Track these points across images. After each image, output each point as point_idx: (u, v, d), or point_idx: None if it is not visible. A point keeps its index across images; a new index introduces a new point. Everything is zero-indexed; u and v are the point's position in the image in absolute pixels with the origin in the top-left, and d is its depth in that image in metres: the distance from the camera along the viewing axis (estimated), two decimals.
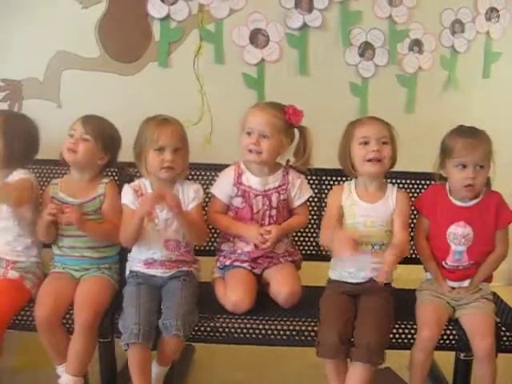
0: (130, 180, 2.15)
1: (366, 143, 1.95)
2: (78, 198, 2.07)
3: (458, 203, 2.00)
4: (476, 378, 1.89)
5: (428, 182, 2.27)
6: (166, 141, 1.97)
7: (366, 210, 1.98)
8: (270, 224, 2.08)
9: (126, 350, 1.87)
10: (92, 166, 2.10)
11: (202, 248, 2.26)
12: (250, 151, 2.05)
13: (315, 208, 2.28)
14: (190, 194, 2.06)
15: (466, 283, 1.99)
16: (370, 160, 1.95)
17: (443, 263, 2.00)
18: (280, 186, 2.11)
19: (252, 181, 2.10)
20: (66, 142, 2.06)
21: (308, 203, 2.22)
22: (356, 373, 1.83)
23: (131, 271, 2.07)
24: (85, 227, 1.99)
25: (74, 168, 2.11)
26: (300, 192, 2.13)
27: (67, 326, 1.95)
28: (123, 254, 2.13)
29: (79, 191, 2.08)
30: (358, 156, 1.96)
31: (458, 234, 1.97)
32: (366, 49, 2.88)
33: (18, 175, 2.06)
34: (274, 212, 2.10)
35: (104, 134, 2.08)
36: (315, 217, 2.27)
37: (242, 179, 2.11)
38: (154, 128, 1.99)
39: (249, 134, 2.05)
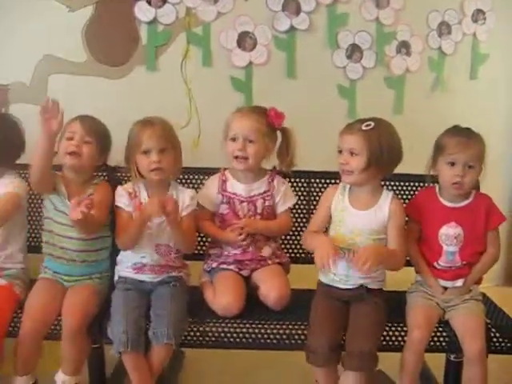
0: (118, 183, 2.13)
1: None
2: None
3: (448, 204, 2.00)
4: (466, 380, 1.89)
5: (416, 184, 2.28)
6: (150, 143, 1.96)
7: (355, 217, 1.95)
8: None
9: (119, 357, 1.86)
10: (90, 169, 2.08)
11: (191, 252, 2.24)
12: (236, 157, 2.04)
13: (304, 211, 2.27)
14: (185, 200, 2.04)
15: (459, 282, 1.98)
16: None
17: (436, 264, 2.00)
18: (265, 192, 2.11)
19: (236, 187, 2.10)
20: (65, 144, 2.02)
21: (297, 206, 2.22)
22: (348, 381, 1.83)
23: (120, 277, 2.06)
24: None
25: (71, 171, 2.07)
26: (284, 198, 2.13)
27: (55, 332, 1.92)
28: (114, 258, 2.11)
29: (72, 192, 2.04)
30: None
31: (450, 235, 1.97)
32: (354, 51, 2.89)
33: (6, 185, 2.03)
34: (258, 218, 2.10)
35: (102, 135, 2.07)
36: (304, 220, 2.26)
37: (226, 186, 2.11)
38: (138, 131, 1.98)
39: (233, 140, 2.04)
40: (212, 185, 2.12)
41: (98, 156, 2.07)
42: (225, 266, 2.09)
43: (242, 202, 2.09)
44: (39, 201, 2.19)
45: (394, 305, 1.99)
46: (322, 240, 1.91)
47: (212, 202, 2.11)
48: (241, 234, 2.03)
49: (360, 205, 1.97)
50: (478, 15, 3.05)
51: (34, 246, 2.20)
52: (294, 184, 2.26)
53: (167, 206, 1.86)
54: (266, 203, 2.10)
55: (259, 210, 2.10)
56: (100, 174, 2.20)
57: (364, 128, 1.90)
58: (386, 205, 1.95)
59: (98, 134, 2.05)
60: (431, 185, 2.06)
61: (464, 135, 1.95)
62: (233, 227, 2.05)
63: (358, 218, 1.95)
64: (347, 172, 1.93)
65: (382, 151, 1.89)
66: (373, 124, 1.90)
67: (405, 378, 1.90)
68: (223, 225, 2.10)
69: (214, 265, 2.10)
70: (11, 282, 2.02)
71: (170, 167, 2.01)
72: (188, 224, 2.02)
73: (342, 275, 1.96)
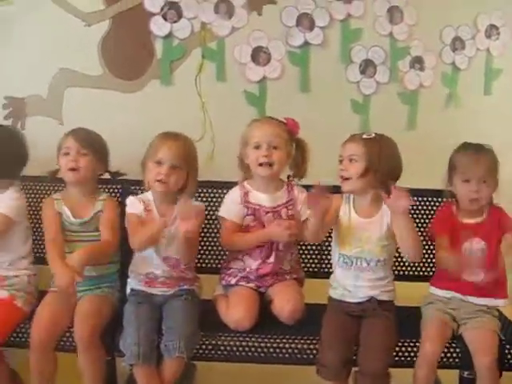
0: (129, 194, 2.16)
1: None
2: (80, 217, 2.06)
3: (468, 221, 2.01)
4: None
5: (430, 199, 2.29)
6: (164, 155, 1.98)
7: (362, 225, 1.98)
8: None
9: (130, 370, 1.86)
10: (92, 180, 2.10)
11: (204, 265, 2.25)
12: (261, 165, 2.05)
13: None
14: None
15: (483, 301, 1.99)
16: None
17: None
18: (288, 202, 2.12)
19: (260, 198, 2.10)
20: (63, 161, 2.04)
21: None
22: None
23: (132, 289, 2.06)
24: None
25: (74, 185, 2.10)
26: (305, 207, 2.12)
27: (68, 344, 1.93)
28: (124, 270, 2.12)
29: (79, 209, 2.08)
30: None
31: (474, 250, 1.98)
32: (367, 66, 2.89)
33: (6, 201, 2.04)
34: None
35: (97, 145, 2.10)
36: None
37: (249, 198, 2.11)
38: (158, 141, 2.00)
39: (257, 147, 2.05)
40: (234, 197, 2.12)
41: (97, 166, 2.09)
42: (243, 283, 2.09)
43: (267, 212, 2.09)
44: None
45: (406, 320, 1.98)
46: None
47: (237, 214, 2.10)
48: (291, 226, 2.00)
49: (365, 213, 1.99)
50: (492, 30, 3.04)
51: (44, 258, 2.19)
52: None
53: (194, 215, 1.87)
54: (290, 212, 2.11)
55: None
56: (102, 186, 2.23)
57: (365, 137, 1.96)
58: (388, 213, 1.97)
59: (93, 145, 2.07)
60: (449, 200, 2.08)
61: (473, 151, 1.98)
62: (280, 221, 2.04)
63: (364, 226, 1.97)
64: (345, 179, 1.96)
65: (380, 159, 1.93)
66: (374, 134, 1.97)
67: None
68: None
69: (233, 281, 2.10)
70: (13, 293, 2.01)
71: (175, 185, 2.01)
72: (195, 237, 2.02)
73: (350, 285, 1.97)
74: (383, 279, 1.99)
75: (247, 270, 2.10)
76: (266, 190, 2.11)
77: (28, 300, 2.03)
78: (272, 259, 2.09)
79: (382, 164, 1.93)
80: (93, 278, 2.07)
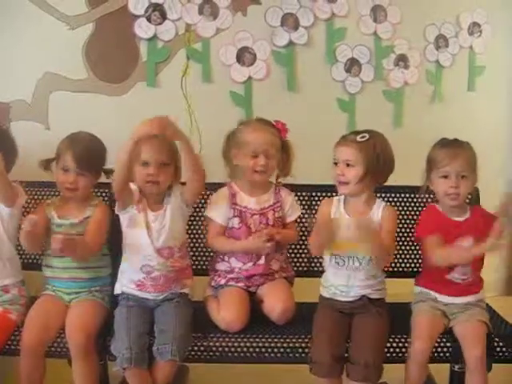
0: None
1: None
2: (70, 219, 2.05)
3: (456, 219, 2.00)
4: None
5: (417, 196, 2.29)
6: (149, 155, 1.96)
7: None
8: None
9: (123, 373, 1.85)
10: (87, 194, 2.09)
11: (194, 267, 2.25)
12: (256, 171, 2.06)
13: (306, 224, 2.28)
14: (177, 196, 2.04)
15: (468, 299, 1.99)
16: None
17: (449, 277, 1.99)
18: (275, 204, 2.13)
19: (247, 201, 2.11)
20: (61, 178, 2.02)
21: (298, 220, 2.22)
22: None
23: (123, 293, 2.05)
24: (73, 255, 1.95)
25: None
26: (292, 209, 2.15)
27: (58, 350, 1.92)
28: (116, 273, 2.11)
29: (71, 211, 2.06)
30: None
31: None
32: (352, 65, 2.91)
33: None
34: None
35: (97, 162, 2.07)
36: (306, 233, 2.26)
37: (236, 199, 2.11)
38: (141, 143, 1.98)
39: (254, 156, 2.05)
40: (222, 198, 2.12)
41: (94, 181, 2.08)
42: (233, 283, 2.09)
43: (253, 214, 2.10)
44: None
45: (397, 316, 1.99)
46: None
47: (223, 216, 2.10)
48: (268, 241, 2.01)
49: (355, 214, 1.98)
50: (474, 28, 3.08)
51: (35, 264, 2.18)
52: (296, 197, 2.27)
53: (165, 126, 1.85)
54: (276, 214, 2.12)
55: (271, 222, 2.10)
56: (98, 190, 2.21)
57: (359, 140, 1.93)
58: (379, 212, 1.98)
59: (92, 164, 2.04)
60: (425, 197, 2.10)
61: (451, 146, 1.97)
62: (259, 234, 2.04)
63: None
64: (343, 183, 1.96)
65: (378, 161, 1.93)
66: (367, 136, 1.94)
67: None
68: (233, 239, 2.10)
69: (223, 282, 2.10)
70: (8, 308, 1.99)
71: (165, 182, 2.01)
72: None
73: (342, 285, 1.97)
74: (375, 278, 1.99)
75: (236, 270, 2.10)
76: (254, 192, 2.12)
77: (21, 312, 2.01)
78: (262, 261, 2.09)
79: (379, 164, 1.94)
80: (83, 281, 2.06)
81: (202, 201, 2.22)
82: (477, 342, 1.85)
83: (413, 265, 2.31)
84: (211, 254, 2.23)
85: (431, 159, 2.00)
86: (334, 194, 2.17)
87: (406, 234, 2.29)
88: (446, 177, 1.95)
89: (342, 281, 1.97)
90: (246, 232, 2.08)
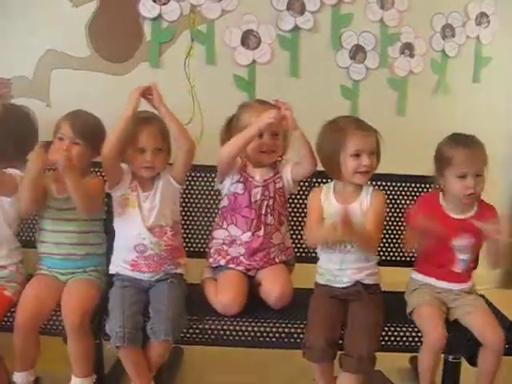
0: None
1: (357, 155, 1.94)
2: (64, 194, 2.03)
3: (457, 216, 2.00)
4: (482, 369, 1.88)
5: (418, 185, 2.29)
6: (146, 142, 1.97)
7: (341, 211, 1.95)
8: (267, 213, 2.09)
9: (117, 352, 1.87)
10: (82, 166, 2.08)
11: (192, 249, 2.25)
12: (264, 152, 2.07)
13: (302, 210, 2.27)
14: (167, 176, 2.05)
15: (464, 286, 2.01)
16: (360, 172, 1.95)
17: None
18: (275, 175, 2.13)
19: (253, 172, 2.12)
20: (56, 146, 2.01)
21: (293, 205, 2.24)
22: (346, 382, 1.85)
23: (117, 273, 2.05)
24: (70, 172, 1.93)
25: None
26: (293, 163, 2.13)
27: (54, 327, 1.93)
28: (111, 252, 2.11)
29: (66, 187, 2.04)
30: (350, 168, 1.95)
31: (464, 245, 1.98)
32: (357, 52, 2.89)
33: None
34: (271, 202, 2.10)
35: (93, 135, 2.05)
36: (300, 219, 2.27)
37: (246, 168, 2.13)
38: (135, 128, 1.96)
39: (261, 136, 2.04)
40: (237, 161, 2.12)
41: (89, 154, 2.06)
42: (233, 266, 2.09)
43: (256, 186, 2.10)
44: None
45: (391, 306, 1.99)
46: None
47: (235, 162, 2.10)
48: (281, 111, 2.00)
49: (345, 199, 1.98)
50: (482, 18, 3.05)
51: (31, 241, 2.17)
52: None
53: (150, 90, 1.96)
54: (277, 185, 2.12)
55: (271, 194, 2.10)
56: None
57: (371, 127, 1.96)
58: (367, 196, 1.98)
59: (88, 135, 2.03)
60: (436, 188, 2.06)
61: (469, 146, 1.94)
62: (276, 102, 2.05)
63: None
64: (366, 173, 1.95)
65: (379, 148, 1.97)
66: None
67: (424, 379, 1.90)
68: (235, 205, 2.10)
69: (222, 262, 2.10)
70: (3, 285, 1.99)
71: (161, 167, 2.03)
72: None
73: (335, 270, 1.98)
74: (367, 261, 1.98)
75: (237, 242, 2.10)
76: (260, 167, 2.13)
77: (18, 290, 2.01)
78: (261, 232, 2.09)
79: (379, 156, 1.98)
80: (78, 260, 2.06)
81: (202, 183, 2.21)
82: (496, 326, 1.87)
83: (410, 254, 2.30)
84: (208, 236, 2.22)
85: (446, 157, 1.96)
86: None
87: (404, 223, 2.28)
88: (463, 177, 1.93)
89: (335, 265, 1.98)
90: (247, 200, 2.09)
